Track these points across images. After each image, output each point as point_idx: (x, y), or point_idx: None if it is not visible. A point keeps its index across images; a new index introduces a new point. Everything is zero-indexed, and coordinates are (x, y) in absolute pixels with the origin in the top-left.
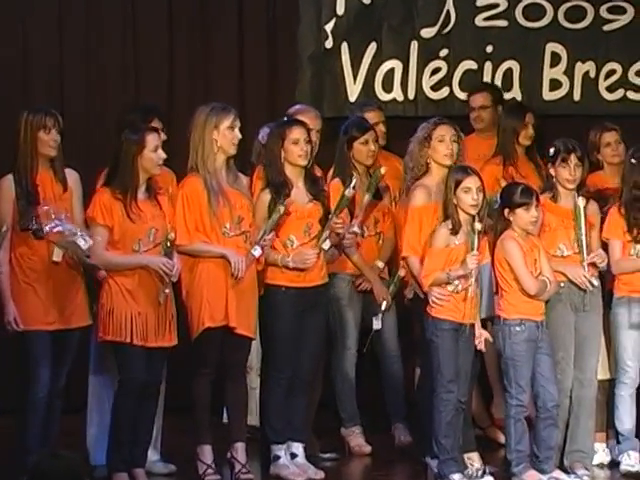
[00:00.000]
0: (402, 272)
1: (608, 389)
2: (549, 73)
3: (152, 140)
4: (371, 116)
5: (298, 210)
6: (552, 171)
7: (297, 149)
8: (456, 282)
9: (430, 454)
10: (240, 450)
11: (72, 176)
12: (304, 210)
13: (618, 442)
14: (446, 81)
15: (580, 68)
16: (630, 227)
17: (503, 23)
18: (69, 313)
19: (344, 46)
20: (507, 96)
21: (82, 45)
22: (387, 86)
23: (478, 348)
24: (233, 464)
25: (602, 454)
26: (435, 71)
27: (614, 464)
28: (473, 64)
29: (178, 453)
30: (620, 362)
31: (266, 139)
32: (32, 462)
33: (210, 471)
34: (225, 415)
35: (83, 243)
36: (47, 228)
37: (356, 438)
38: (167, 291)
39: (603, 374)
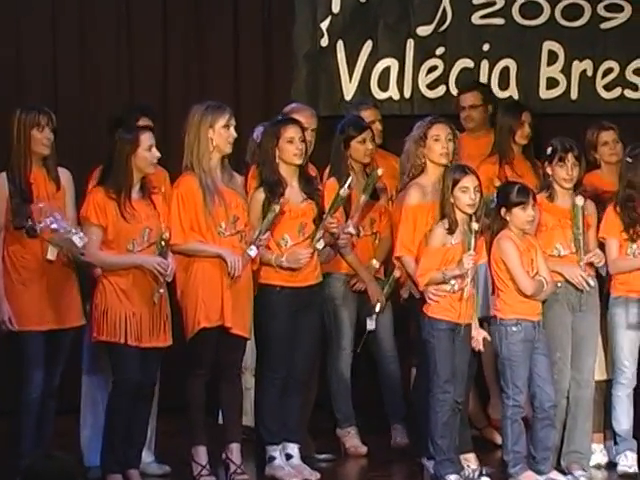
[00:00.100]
0: (397, 273)
1: (605, 390)
2: (546, 71)
3: (146, 139)
4: (367, 114)
5: (292, 209)
6: (549, 170)
7: (292, 148)
8: (452, 282)
9: (426, 455)
10: (235, 451)
11: (64, 175)
12: (298, 209)
13: (615, 443)
14: (442, 79)
15: (577, 66)
16: (626, 226)
17: (500, 21)
18: (63, 313)
19: (340, 44)
20: (504, 95)
21: (76, 45)
22: (383, 84)
23: (476, 349)
24: (228, 465)
25: (599, 455)
26: (431, 69)
27: (611, 465)
28: (469, 62)
29: (172, 454)
30: (617, 363)
31: (260, 138)
32: (26, 463)
33: (205, 472)
34: (220, 416)
35: (78, 241)
36: (42, 226)
37: (352, 439)
38: (162, 291)
39: (600, 375)
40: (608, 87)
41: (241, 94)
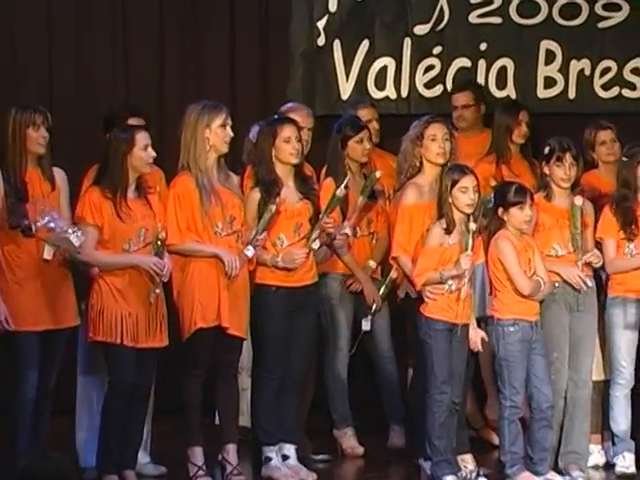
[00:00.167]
0: (394, 274)
1: (603, 390)
2: (543, 71)
3: (142, 138)
4: (364, 113)
5: (288, 209)
6: (546, 170)
7: (289, 147)
8: (449, 282)
9: (423, 456)
10: (231, 452)
11: (59, 174)
12: (294, 209)
13: (613, 443)
14: (439, 79)
15: (575, 66)
16: (622, 225)
17: (497, 20)
18: (59, 313)
19: (336, 43)
20: (501, 94)
21: (72, 44)
22: (380, 84)
23: (475, 350)
24: (224, 466)
25: (597, 455)
26: (428, 69)
27: (609, 466)
28: (467, 62)
29: (169, 455)
30: (615, 363)
31: (256, 137)
32: (22, 464)
33: (201, 473)
34: (216, 416)
35: (76, 240)
36: (38, 224)
37: (348, 440)
38: (158, 291)
39: (598, 375)
40: (606, 86)
41: (237, 93)
